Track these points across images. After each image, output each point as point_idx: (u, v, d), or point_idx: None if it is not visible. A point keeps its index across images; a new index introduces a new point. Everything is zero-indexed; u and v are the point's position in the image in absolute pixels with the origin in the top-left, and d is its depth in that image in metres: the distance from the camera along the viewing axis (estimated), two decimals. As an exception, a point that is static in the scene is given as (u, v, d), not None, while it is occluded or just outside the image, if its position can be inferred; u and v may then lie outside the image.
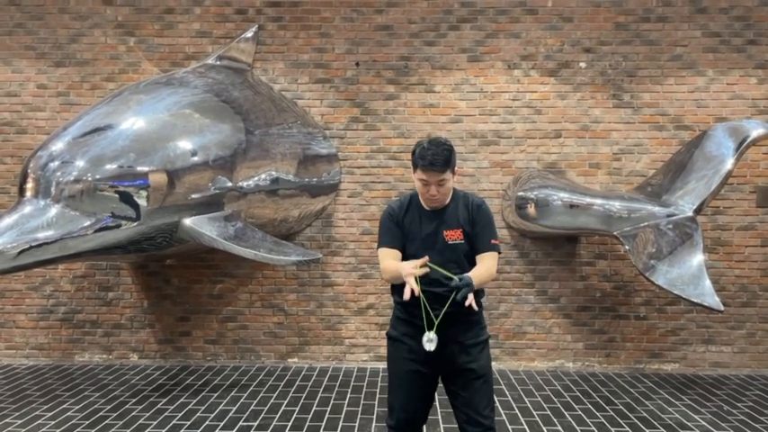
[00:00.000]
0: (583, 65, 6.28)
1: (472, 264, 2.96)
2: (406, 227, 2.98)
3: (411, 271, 2.74)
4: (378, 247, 3.05)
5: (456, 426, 3.03)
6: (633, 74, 6.26)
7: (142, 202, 4.59)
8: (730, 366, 6.13)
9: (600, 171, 6.24)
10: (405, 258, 2.95)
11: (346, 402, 5.07)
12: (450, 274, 2.79)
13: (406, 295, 2.71)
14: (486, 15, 6.30)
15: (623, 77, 6.26)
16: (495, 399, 5.07)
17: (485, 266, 2.94)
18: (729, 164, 5.16)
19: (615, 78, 6.26)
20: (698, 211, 5.20)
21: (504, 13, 6.30)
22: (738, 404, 5.12)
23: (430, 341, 2.81)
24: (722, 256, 6.18)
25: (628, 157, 6.24)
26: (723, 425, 4.61)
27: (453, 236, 2.93)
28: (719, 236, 6.18)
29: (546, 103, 6.28)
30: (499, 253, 3.03)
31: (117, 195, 4.53)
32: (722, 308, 4.83)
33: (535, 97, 6.29)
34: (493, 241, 2.99)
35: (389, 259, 2.96)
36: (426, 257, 2.79)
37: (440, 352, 2.90)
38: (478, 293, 2.99)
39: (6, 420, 4.59)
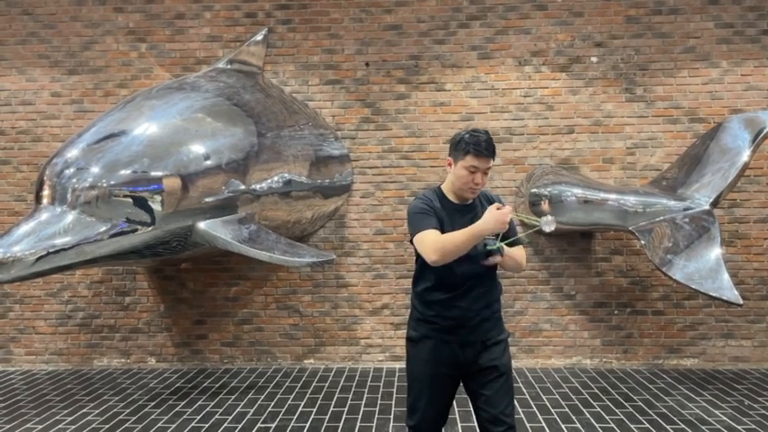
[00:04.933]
0: (594, 59, 6.23)
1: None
2: (439, 218, 2.86)
3: (499, 217, 2.67)
4: (415, 233, 2.82)
5: (473, 424, 3.02)
6: (645, 67, 6.20)
7: (157, 206, 4.62)
8: (750, 361, 6.05)
9: (614, 166, 6.20)
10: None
11: (363, 403, 5.07)
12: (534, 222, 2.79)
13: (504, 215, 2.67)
14: (496, 12, 6.28)
15: (636, 71, 6.21)
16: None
17: (517, 251, 2.94)
18: (746, 156, 5.12)
19: (627, 72, 6.21)
20: (714, 204, 5.15)
21: (514, 10, 6.27)
22: (759, 399, 5.06)
23: (547, 223, 2.70)
24: (740, 249, 6.11)
25: (642, 152, 6.19)
26: (744, 420, 4.56)
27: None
28: (737, 229, 6.11)
29: (558, 99, 6.24)
30: None
31: (132, 200, 4.57)
32: (741, 301, 4.78)
33: (547, 93, 6.25)
34: (520, 236, 2.98)
35: (434, 238, 2.76)
36: (512, 207, 2.79)
37: (466, 352, 2.89)
38: (497, 291, 2.99)
39: (28, 426, 4.64)
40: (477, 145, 2.82)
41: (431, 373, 2.91)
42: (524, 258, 2.99)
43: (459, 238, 2.70)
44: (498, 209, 2.69)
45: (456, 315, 2.86)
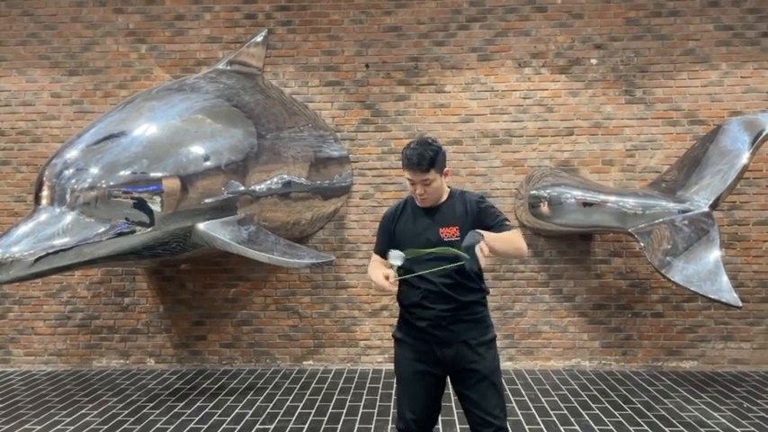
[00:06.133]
0: (594, 61, 6.24)
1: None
2: (399, 228, 3.01)
3: (382, 286, 2.79)
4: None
5: (471, 426, 3.02)
6: (645, 69, 6.21)
7: (156, 207, 4.62)
8: (750, 363, 6.05)
9: (613, 168, 6.20)
10: None
11: (362, 404, 5.07)
12: (444, 253, 2.78)
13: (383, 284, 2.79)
14: (496, 14, 6.29)
15: (635, 73, 6.21)
16: (512, 398, 5.08)
17: (506, 234, 2.87)
18: (745, 158, 5.11)
19: (627, 74, 6.21)
20: (714, 206, 5.14)
21: (514, 11, 6.27)
22: (759, 401, 5.05)
23: (396, 257, 2.78)
24: (739, 252, 6.10)
25: (641, 154, 6.19)
26: (743, 422, 4.55)
27: (449, 233, 2.91)
28: (736, 231, 6.11)
29: (557, 101, 6.24)
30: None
31: (131, 201, 4.57)
32: (740, 304, 4.78)
33: (546, 95, 6.26)
34: (507, 222, 2.94)
35: (373, 266, 3.03)
36: (393, 277, 2.82)
37: (445, 351, 2.90)
38: (482, 291, 2.99)
39: (26, 426, 4.64)
40: (408, 159, 2.90)
41: (413, 371, 2.96)
42: (518, 242, 2.90)
43: (372, 279, 2.91)
44: (386, 277, 2.79)
45: (429, 316, 2.91)
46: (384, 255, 2.94)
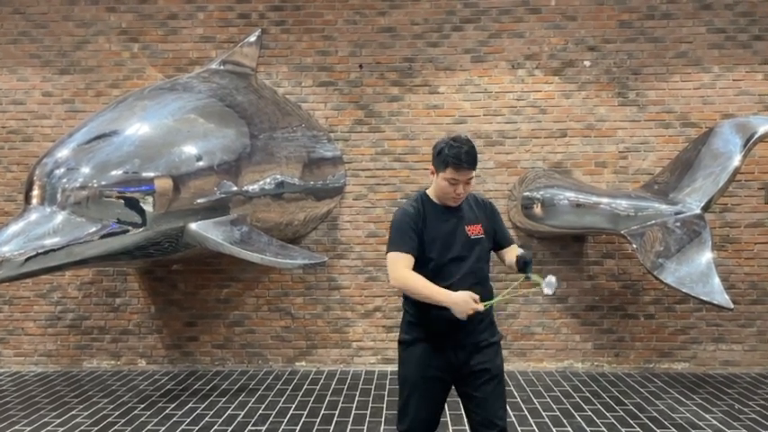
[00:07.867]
0: (587, 63, 6.25)
1: (488, 258, 3.04)
2: (429, 229, 2.88)
3: (470, 308, 2.70)
4: (389, 251, 2.89)
5: (465, 427, 3.01)
6: (638, 71, 6.23)
7: (148, 207, 4.59)
8: (741, 365, 6.08)
9: (606, 170, 6.21)
10: (423, 261, 2.86)
11: (354, 406, 5.06)
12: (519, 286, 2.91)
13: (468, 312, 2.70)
14: (490, 15, 6.29)
15: (628, 75, 6.23)
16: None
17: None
18: (737, 160, 5.13)
19: (620, 76, 6.23)
20: (706, 208, 5.16)
21: (508, 13, 6.28)
22: (750, 403, 5.08)
23: (549, 285, 2.80)
24: (731, 254, 6.13)
25: (634, 156, 6.21)
26: (735, 424, 4.57)
27: (475, 231, 2.94)
28: (728, 233, 6.13)
29: (551, 103, 6.25)
30: None
31: (123, 201, 4.54)
32: (732, 306, 4.80)
33: (540, 97, 6.26)
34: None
35: (405, 268, 2.82)
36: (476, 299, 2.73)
37: (460, 354, 2.89)
38: (490, 294, 3.00)
39: (16, 427, 4.60)
40: (456, 158, 2.81)
41: (423, 377, 2.90)
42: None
43: (421, 291, 2.77)
44: (475, 301, 2.70)
45: (451, 318, 2.81)
46: (411, 253, 2.83)
